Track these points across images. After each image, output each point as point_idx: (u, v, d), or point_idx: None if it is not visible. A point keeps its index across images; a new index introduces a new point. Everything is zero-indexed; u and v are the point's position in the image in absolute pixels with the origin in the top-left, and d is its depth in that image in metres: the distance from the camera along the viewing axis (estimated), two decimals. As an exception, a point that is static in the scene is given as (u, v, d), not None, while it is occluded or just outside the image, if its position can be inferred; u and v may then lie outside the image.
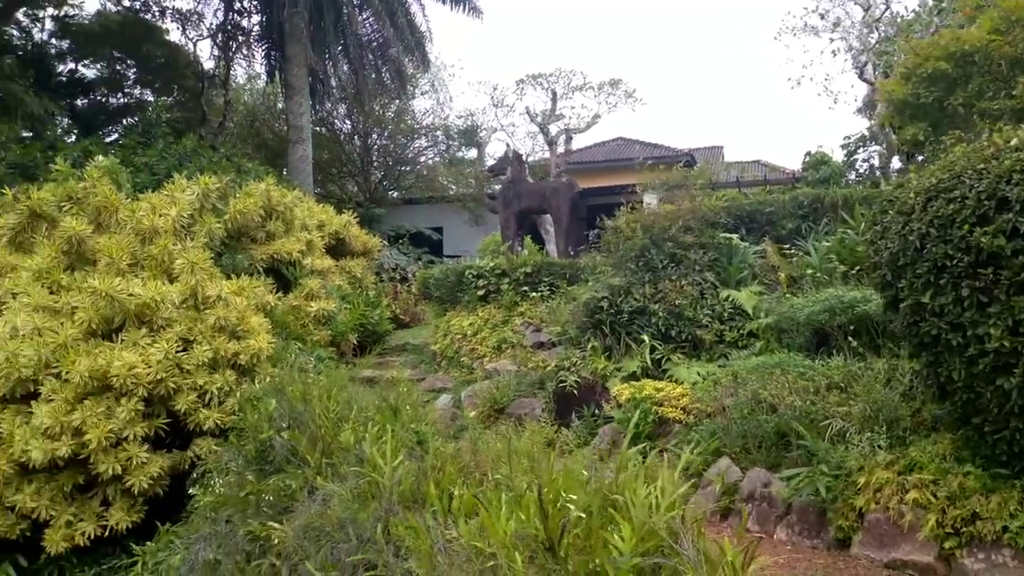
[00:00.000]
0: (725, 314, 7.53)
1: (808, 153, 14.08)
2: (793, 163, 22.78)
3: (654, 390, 6.62)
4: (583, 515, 3.72)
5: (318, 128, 23.85)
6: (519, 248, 10.50)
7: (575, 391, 7.16)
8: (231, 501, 5.90)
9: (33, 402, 6.94)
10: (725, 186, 15.66)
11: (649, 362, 7.14)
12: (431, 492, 4.43)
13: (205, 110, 22.84)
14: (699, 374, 6.94)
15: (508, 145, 19.24)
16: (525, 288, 9.40)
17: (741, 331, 7.43)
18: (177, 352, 7.20)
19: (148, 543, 6.83)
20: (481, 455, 5.13)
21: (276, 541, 5.19)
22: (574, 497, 3.89)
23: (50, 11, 22.07)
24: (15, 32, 21.24)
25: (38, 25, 22.19)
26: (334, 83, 22.70)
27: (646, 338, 7.27)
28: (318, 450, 5.57)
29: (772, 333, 7.20)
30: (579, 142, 25.00)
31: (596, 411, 6.97)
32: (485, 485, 4.66)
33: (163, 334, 7.30)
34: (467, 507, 4.41)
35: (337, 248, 12.30)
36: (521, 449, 4.87)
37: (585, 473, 3.96)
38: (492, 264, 9.73)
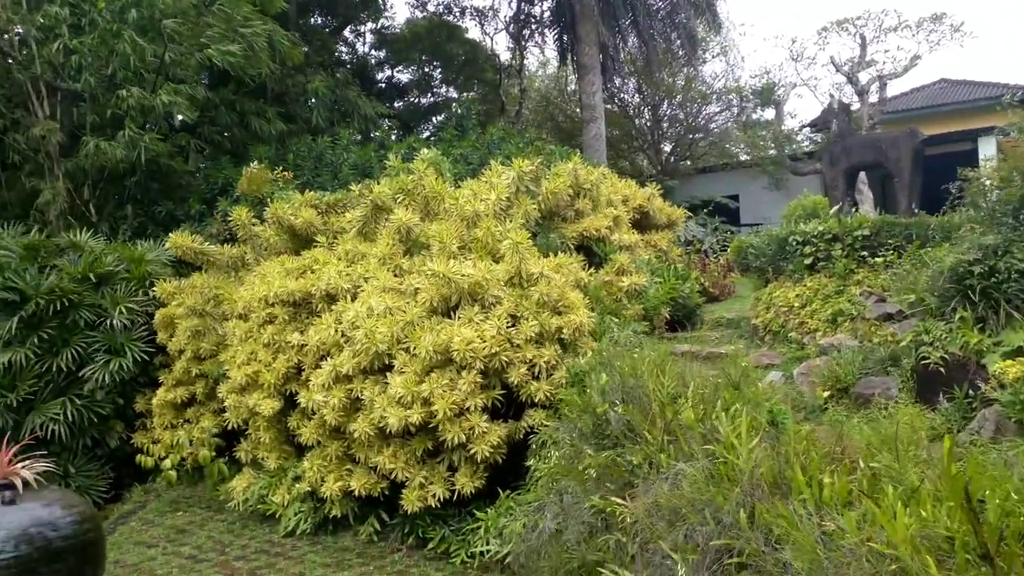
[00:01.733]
0: None
1: None
2: None
3: (1051, 368, 5.49)
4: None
5: (607, 105, 23.96)
6: (849, 209, 9.45)
7: (941, 369, 6.18)
8: (569, 473, 5.97)
9: (388, 374, 7.64)
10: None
11: (1040, 335, 5.94)
12: (798, 478, 4.01)
13: (503, 100, 24.11)
14: (1112, 348, 5.63)
15: (832, 96, 17.53)
16: (863, 253, 8.40)
17: None
18: (507, 328, 7.48)
19: (489, 509, 7.24)
20: (846, 440, 4.58)
21: (620, 517, 5.11)
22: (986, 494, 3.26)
23: (369, 25, 24.76)
24: (343, 48, 24.14)
25: (360, 40, 25.04)
26: (623, 57, 22.62)
27: (1034, 306, 6.07)
28: (658, 426, 5.40)
29: None
30: (894, 88, 22.24)
31: (971, 392, 5.96)
32: (859, 474, 4.13)
33: (493, 311, 7.63)
34: (840, 498, 3.93)
35: (641, 222, 12.15)
36: (901, 436, 4.25)
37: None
38: (821, 228, 8.85)
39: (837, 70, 22.29)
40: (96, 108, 13.88)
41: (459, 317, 7.65)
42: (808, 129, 22.31)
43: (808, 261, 8.84)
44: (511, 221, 9.04)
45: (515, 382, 7.41)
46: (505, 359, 7.38)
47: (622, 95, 25.82)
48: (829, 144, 9.91)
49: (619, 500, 5.19)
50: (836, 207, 9.37)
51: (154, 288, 10.41)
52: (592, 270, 9.56)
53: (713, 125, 26.57)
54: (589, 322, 7.95)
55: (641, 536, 4.82)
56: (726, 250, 15.13)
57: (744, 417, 4.58)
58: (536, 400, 7.37)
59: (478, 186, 9.76)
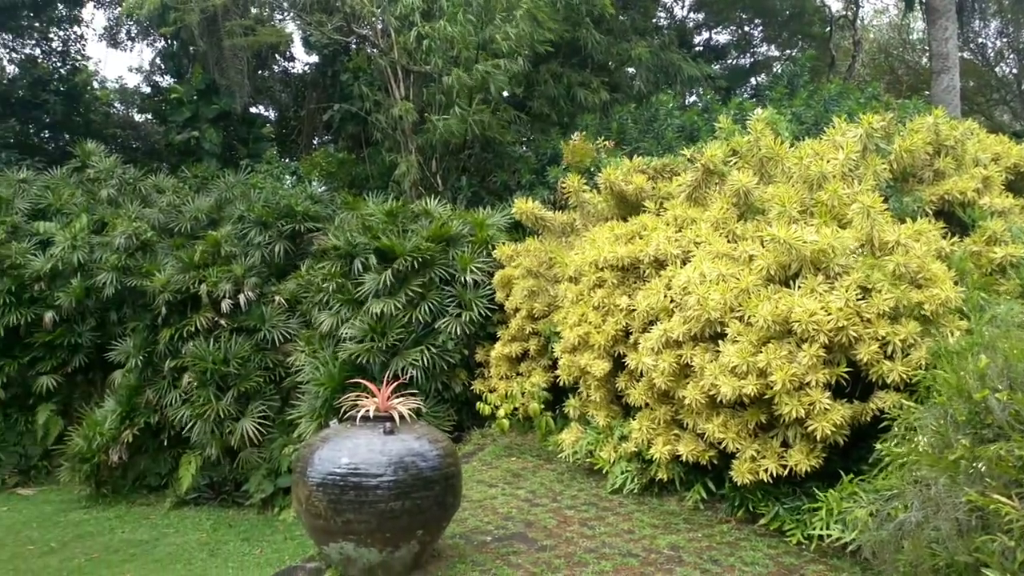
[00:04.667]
0: None
1: None
2: None
3: None
4: None
5: (961, 53, 20.91)
6: None
7: None
8: (937, 463, 5.35)
9: (720, 342, 7.47)
10: None
11: None
12: None
13: (833, 54, 22.23)
14: None
15: None
16: None
17: None
18: (856, 300, 6.89)
19: (830, 490, 6.78)
20: None
21: (1005, 517, 4.48)
22: None
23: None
24: (661, 14, 23.96)
25: (679, 3, 24.67)
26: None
27: None
28: (1062, 421, 4.60)
29: None
30: None
31: None
32: None
33: (840, 281, 7.07)
34: None
35: (1015, 183, 10.40)
36: None
37: None
38: None
39: None
40: (441, 88, 15.35)
41: (799, 287, 7.21)
42: None
43: None
44: (859, 183, 8.30)
45: (864, 360, 6.80)
46: (853, 334, 6.80)
47: (981, 40, 22.38)
48: None
49: (1003, 499, 4.55)
50: None
51: (494, 251, 11.33)
52: (954, 238, 8.44)
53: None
54: (956, 297, 7.03)
55: (1034, 541, 4.18)
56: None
57: None
58: (889, 381, 6.71)
59: (820, 146, 9.09)
